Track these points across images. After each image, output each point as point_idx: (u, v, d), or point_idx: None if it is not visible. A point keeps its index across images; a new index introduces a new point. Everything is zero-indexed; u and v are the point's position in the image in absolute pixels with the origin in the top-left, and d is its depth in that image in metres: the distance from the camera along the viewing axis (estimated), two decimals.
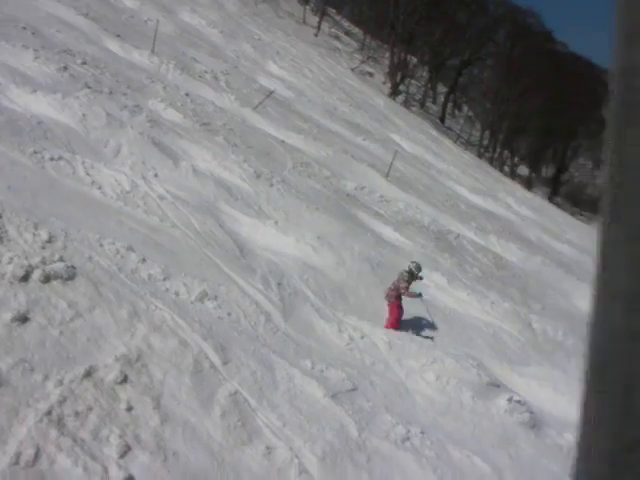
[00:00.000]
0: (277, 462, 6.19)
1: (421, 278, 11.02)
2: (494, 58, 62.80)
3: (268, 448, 6.23)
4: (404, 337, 9.88)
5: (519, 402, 8.85)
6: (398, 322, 10.62)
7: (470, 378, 9.39)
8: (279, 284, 9.68)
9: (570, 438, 8.95)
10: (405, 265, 11.26)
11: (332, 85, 34.07)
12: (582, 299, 17.23)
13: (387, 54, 54.64)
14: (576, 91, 58.57)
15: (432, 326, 11.26)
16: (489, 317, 12.78)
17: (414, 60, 54.92)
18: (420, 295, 10.71)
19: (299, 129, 19.87)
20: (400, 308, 10.74)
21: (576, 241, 28.38)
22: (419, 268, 10.98)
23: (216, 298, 8.22)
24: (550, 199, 56.84)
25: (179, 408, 6.05)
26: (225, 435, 6.07)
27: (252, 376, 6.95)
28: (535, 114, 57.95)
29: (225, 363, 6.93)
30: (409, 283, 10.59)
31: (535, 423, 8.82)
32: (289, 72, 31.06)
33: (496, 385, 9.40)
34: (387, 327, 10.47)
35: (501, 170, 55.09)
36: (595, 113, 64.18)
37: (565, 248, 24.21)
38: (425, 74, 61.22)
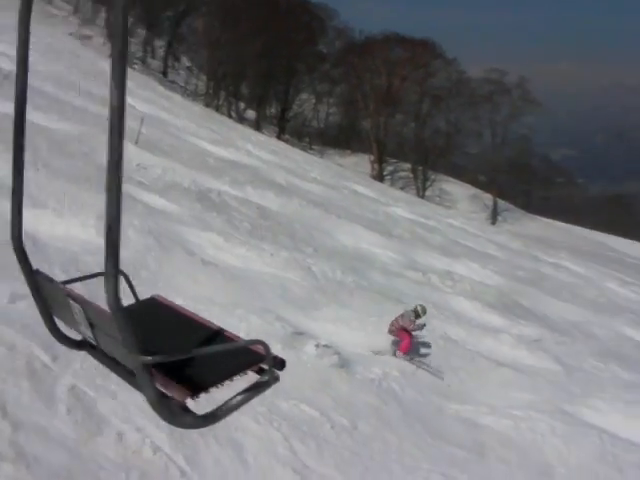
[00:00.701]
0: (131, 445, 6.65)
1: (424, 325, 12.68)
2: (210, 6, 63.43)
3: (119, 434, 6.63)
4: (205, 302, 10.58)
5: (326, 346, 9.98)
6: (410, 346, 12.58)
7: (275, 331, 10.31)
8: (79, 272, 9.83)
9: (377, 371, 10.37)
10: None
11: (57, 54, 32.81)
12: (345, 235, 19.05)
13: (103, 14, 53.47)
14: (292, 30, 61.39)
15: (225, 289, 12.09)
16: (271, 269, 13.76)
17: (130, 18, 54.42)
18: (424, 326, 12.64)
19: (40, 106, 19.15)
20: (410, 335, 12.63)
21: (320, 178, 30.51)
22: (424, 311, 12.90)
23: (26, 297, 8.24)
24: (279, 137, 59.58)
25: (26, 413, 6.24)
26: (76, 430, 6.36)
27: (82, 367, 7.25)
28: (255, 58, 59.36)
29: (55, 360, 7.15)
30: (413, 322, 12.44)
31: (343, 363, 10.04)
32: (9, 44, 29.51)
33: (299, 333, 10.47)
34: (402, 351, 12.42)
35: (229, 117, 56.77)
36: (311, 48, 67.53)
37: (313, 187, 26.00)
38: (142, 30, 60.70)
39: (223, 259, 13.35)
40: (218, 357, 2.26)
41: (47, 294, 2.47)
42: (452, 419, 10.43)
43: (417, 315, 12.78)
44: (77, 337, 2.42)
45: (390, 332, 12.54)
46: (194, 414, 2.09)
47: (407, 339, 12.63)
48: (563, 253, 36.94)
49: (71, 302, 2.22)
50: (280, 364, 2.27)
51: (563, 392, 13.15)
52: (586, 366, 15.79)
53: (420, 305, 13.06)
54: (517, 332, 16.09)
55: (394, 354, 12.44)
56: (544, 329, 17.11)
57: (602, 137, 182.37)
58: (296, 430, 8.14)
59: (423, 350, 12.92)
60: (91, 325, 2.20)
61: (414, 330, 12.65)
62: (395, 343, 12.70)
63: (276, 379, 2.28)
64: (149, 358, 1.91)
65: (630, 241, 59.39)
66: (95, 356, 2.45)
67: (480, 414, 10.78)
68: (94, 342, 2.25)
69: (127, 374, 2.17)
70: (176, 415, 2.07)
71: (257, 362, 2.33)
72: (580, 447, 10.83)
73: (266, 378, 2.26)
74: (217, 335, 2.47)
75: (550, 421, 10.98)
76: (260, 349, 2.21)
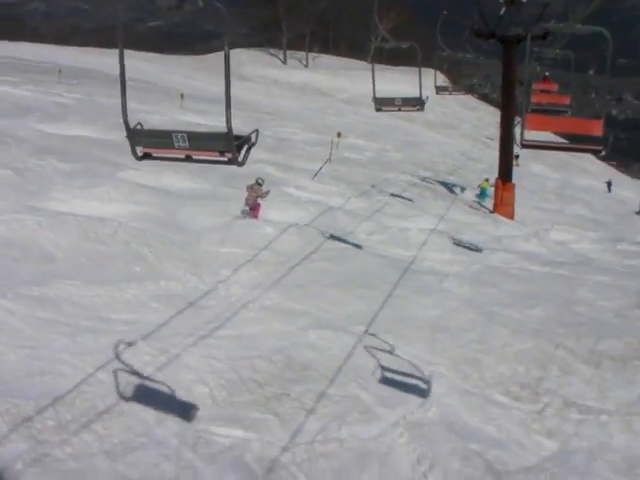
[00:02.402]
0: None
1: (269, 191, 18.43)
2: None
3: None
4: None
5: None
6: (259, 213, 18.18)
7: None
8: None
9: None
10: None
11: None
12: None
13: None
14: None
15: None
16: None
17: None
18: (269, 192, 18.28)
19: None
20: (259, 205, 18.21)
21: None
22: (263, 180, 18.47)
23: None
24: None
25: None
26: None
27: None
28: None
29: None
30: (262, 191, 18.03)
31: None
32: None
33: None
34: (256, 216, 18.03)
35: None
36: None
37: None
38: None
39: None
40: (240, 141, 7.61)
41: (138, 138, 7.86)
42: None
43: (259, 185, 18.11)
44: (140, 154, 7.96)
45: (247, 203, 17.93)
46: (240, 161, 7.71)
47: (258, 209, 18.21)
48: None
49: (175, 134, 7.54)
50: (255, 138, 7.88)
51: (25, 193, 15.95)
52: (31, 166, 18.49)
53: (260, 178, 18.46)
54: None
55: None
56: None
57: None
58: None
59: None
60: (190, 139, 7.50)
61: (264, 197, 18.08)
62: (245, 211, 18.02)
63: (256, 140, 7.88)
64: (238, 143, 7.52)
65: None
66: (157, 159, 8.11)
67: None
68: (187, 146, 7.58)
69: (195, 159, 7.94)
70: (238, 162, 7.70)
71: (247, 140, 7.80)
72: (66, 232, 14.04)
73: (253, 140, 7.86)
74: (236, 137, 7.49)
75: (32, 217, 13.87)
76: (253, 135, 7.81)
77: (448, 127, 63.30)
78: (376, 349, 11.30)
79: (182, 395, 8.86)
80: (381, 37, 61.83)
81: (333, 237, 17.80)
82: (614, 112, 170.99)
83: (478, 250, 19.41)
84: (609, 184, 50.52)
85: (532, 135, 14.47)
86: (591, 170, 54.35)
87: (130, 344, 9.91)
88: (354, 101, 63.43)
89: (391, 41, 20.98)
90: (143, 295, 12.21)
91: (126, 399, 8.47)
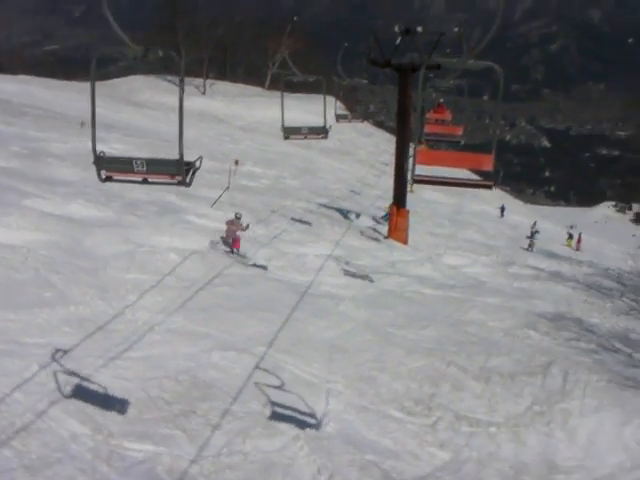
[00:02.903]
0: None
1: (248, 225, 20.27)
2: None
3: None
4: None
5: None
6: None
7: None
8: None
9: None
10: None
11: None
12: None
13: None
14: None
15: None
16: None
17: None
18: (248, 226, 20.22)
19: None
20: (239, 238, 19.84)
21: None
22: (241, 215, 20.21)
23: None
24: None
25: None
26: None
27: None
28: None
29: None
30: (241, 224, 19.74)
31: None
32: None
33: None
34: (237, 247, 19.83)
35: None
36: None
37: None
38: None
39: None
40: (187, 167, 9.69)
41: (103, 164, 9.74)
42: None
43: (238, 218, 19.80)
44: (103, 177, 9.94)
45: (228, 234, 19.65)
46: (187, 183, 9.87)
47: (239, 238, 19.85)
48: None
49: (135, 160, 9.58)
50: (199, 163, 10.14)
51: None
52: None
53: (238, 213, 20.23)
54: None
55: (232, 251, 19.71)
56: None
57: None
58: None
59: None
60: (147, 164, 9.56)
61: (245, 230, 19.88)
62: (227, 244, 19.85)
63: (200, 165, 10.09)
64: (186, 168, 9.66)
65: None
66: (117, 181, 10.13)
67: None
68: (144, 171, 9.64)
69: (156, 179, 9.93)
70: (187, 183, 9.78)
71: (193, 165, 9.90)
72: None
73: (198, 165, 10.04)
74: (185, 163, 9.60)
75: None
76: (197, 161, 9.99)
77: (344, 154, 64.40)
78: (276, 368, 12.06)
79: (95, 413, 9.52)
80: (279, 63, 62.62)
81: (235, 263, 18.51)
82: (508, 137, 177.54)
83: (369, 280, 20.37)
84: (502, 209, 52.68)
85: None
86: (485, 195, 56.27)
87: (44, 366, 10.47)
88: (250, 128, 63.92)
89: (298, 74, 22.10)
90: (55, 319, 12.77)
91: (42, 417, 9.05)
